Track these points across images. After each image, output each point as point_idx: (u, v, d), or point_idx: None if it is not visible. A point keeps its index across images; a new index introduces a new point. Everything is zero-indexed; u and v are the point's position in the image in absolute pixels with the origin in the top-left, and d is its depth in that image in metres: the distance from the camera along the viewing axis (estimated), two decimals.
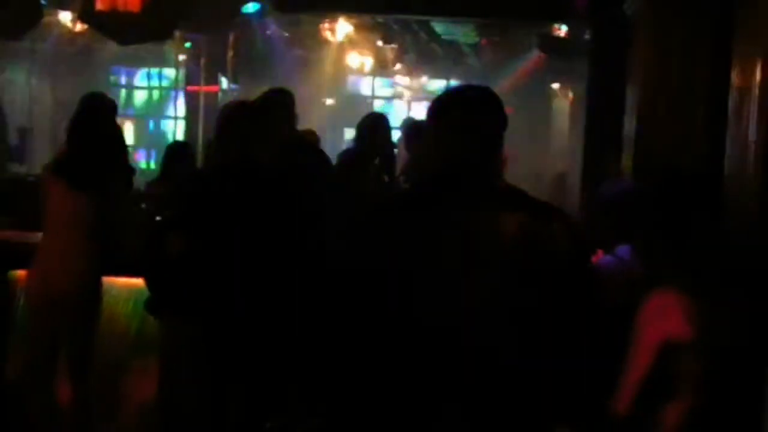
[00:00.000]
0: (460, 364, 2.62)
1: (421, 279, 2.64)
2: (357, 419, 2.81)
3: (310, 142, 6.31)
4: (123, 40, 9.51)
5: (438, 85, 14.70)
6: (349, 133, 11.18)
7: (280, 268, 4.46)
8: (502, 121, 2.78)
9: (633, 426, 3.15)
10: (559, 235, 2.63)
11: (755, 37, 3.40)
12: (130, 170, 5.38)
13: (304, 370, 4.57)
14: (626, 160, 5.10)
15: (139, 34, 9.02)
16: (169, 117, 15.01)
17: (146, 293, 4.80)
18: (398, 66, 13.91)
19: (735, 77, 3.65)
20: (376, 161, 6.25)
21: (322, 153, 6.13)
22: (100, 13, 8.61)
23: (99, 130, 5.00)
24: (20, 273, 5.59)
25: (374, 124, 6.35)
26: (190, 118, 13.73)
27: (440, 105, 2.83)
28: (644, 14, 4.93)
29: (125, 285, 5.28)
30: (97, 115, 5.10)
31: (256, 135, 4.55)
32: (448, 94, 2.93)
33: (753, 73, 3.34)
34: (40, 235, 5.14)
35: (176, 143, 8.47)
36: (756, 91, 3.31)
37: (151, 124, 15.20)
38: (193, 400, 4.69)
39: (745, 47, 3.55)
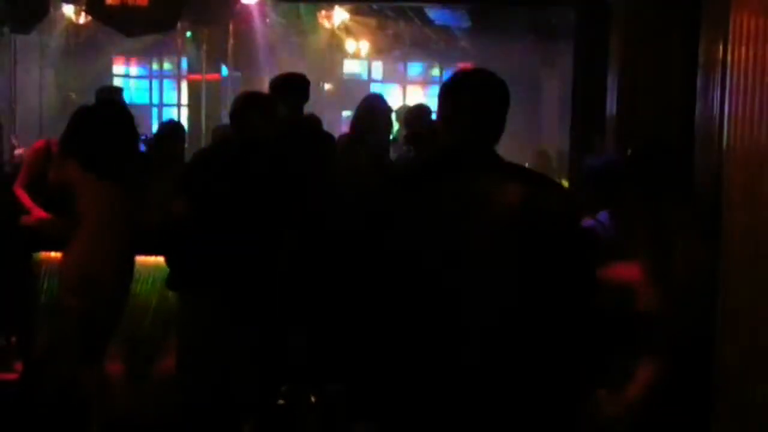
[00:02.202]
0: (467, 320, 2.86)
1: (431, 242, 2.88)
2: (369, 381, 3.07)
3: (314, 123, 6.57)
4: (129, 32, 9.77)
5: (432, 69, 14.94)
6: (347, 115, 11.41)
7: (273, 235, 4.81)
8: (505, 102, 3.05)
9: (611, 381, 3.47)
10: (556, 202, 2.90)
11: (718, 18, 3.68)
12: (145, 157, 5.62)
13: (317, 338, 4.87)
14: (609, 137, 5.43)
15: (145, 26, 9.31)
16: (172, 105, 15.25)
17: (165, 271, 5.12)
18: (394, 51, 14.20)
19: (701, 57, 3.94)
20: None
21: (324, 133, 6.43)
22: (110, 6, 8.91)
23: (121, 121, 5.23)
24: (44, 255, 5.91)
25: (371, 105, 6.57)
26: (193, 106, 13.99)
27: (451, 86, 3.07)
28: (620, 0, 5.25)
29: (144, 263, 5.52)
30: (117, 107, 5.38)
31: (256, 116, 4.99)
32: (459, 77, 3.17)
33: (717, 52, 3.62)
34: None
35: (168, 123, 8.32)
36: (719, 70, 3.59)
37: (155, 112, 15.42)
38: (209, 371, 4.99)
39: (710, 29, 3.83)
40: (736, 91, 2.32)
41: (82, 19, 11.59)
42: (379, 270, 2.99)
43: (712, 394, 2.70)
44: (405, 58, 14.98)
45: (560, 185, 3.05)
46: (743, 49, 2.25)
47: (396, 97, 15.20)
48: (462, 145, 3.00)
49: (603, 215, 4.21)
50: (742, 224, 2.90)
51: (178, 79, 14.83)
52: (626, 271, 3.42)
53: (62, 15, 11.72)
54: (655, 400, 3.34)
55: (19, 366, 6.00)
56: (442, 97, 3.09)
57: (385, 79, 15.95)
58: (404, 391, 2.96)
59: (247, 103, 5.16)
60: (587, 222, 4.18)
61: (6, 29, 8.84)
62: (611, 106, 5.41)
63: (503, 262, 2.89)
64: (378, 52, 14.24)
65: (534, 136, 13.37)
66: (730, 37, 2.32)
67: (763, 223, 2.10)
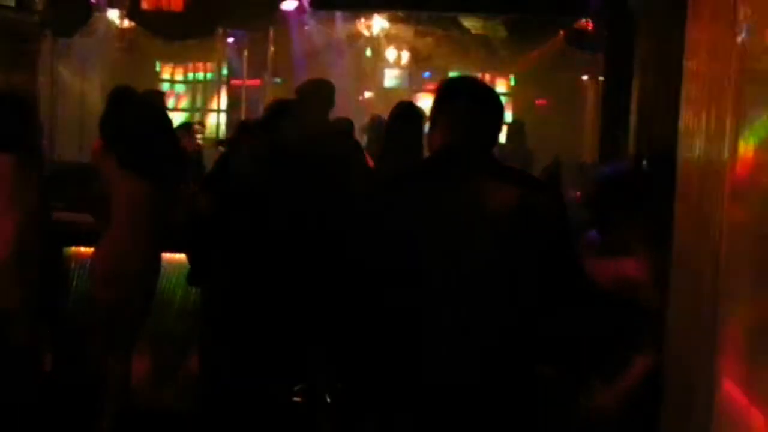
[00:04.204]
0: (462, 316, 2.96)
1: (429, 240, 2.99)
2: (366, 372, 3.18)
3: (343, 129, 6.68)
4: (167, 36, 10.03)
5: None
6: None
7: (295, 236, 4.92)
8: (497, 109, 3.18)
9: (604, 374, 3.54)
10: (548, 204, 3.01)
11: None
12: (182, 159, 5.76)
13: (326, 334, 4.97)
14: (631, 146, 5.50)
15: (183, 31, 9.56)
16: (213, 110, 15.52)
17: (188, 267, 5.24)
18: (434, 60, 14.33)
19: None
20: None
21: (352, 139, 6.53)
22: (146, 12, 9.17)
23: (161, 124, 5.37)
24: (74, 250, 6.07)
25: (402, 113, 6.66)
26: (233, 111, 14.22)
27: (447, 92, 3.22)
28: (643, 12, 5.31)
29: (170, 260, 5.63)
30: (157, 110, 5.53)
31: (285, 122, 5.12)
32: (453, 84, 3.34)
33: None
34: (88, 216, 5.55)
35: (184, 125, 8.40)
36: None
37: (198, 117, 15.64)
38: (229, 367, 5.11)
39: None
40: (692, 102, 2.39)
41: (126, 23, 11.83)
42: (376, 270, 3.08)
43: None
44: (445, 68, 15.07)
45: (552, 187, 3.13)
46: (695, 61, 2.31)
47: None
48: (455, 148, 3.09)
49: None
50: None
51: (218, 84, 15.06)
52: (625, 267, 3.48)
53: (106, 19, 11.94)
54: (648, 391, 3.39)
55: (48, 358, 6.15)
56: (436, 102, 3.19)
57: (426, 88, 16.06)
58: (402, 388, 3.04)
59: (278, 110, 5.33)
60: (593, 233, 4.24)
61: (48, 32, 9.06)
62: (634, 116, 5.48)
63: (496, 260, 2.98)
64: (418, 60, 14.36)
65: (575, 148, 13.38)
66: (686, 49, 2.38)
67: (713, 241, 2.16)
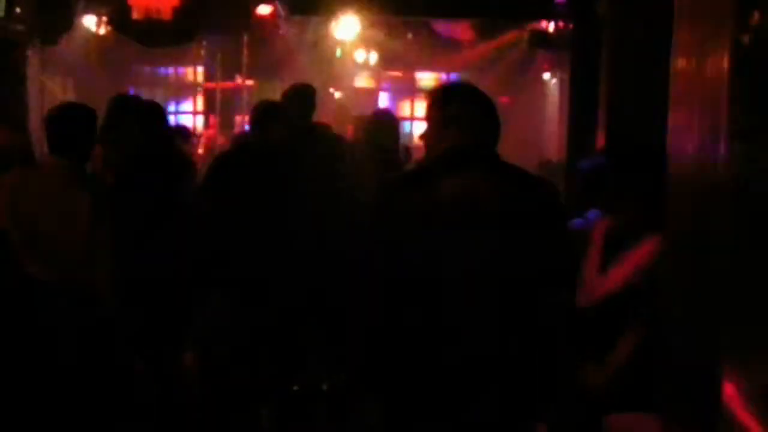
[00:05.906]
0: (466, 306, 3.14)
1: (444, 232, 3.16)
2: (376, 367, 3.32)
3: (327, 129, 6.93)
4: (153, 44, 10.23)
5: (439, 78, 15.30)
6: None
7: (293, 230, 5.17)
8: (493, 111, 3.37)
9: (595, 352, 3.75)
10: (544, 198, 3.23)
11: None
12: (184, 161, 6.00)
13: (331, 331, 5.16)
14: (600, 143, 5.79)
15: (167, 38, 9.77)
16: (188, 113, 15.70)
17: None
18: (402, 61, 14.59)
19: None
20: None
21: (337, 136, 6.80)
22: (137, 21, 9.37)
23: (156, 131, 5.60)
24: None
25: (380, 118, 6.92)
26: (208, 113, 14.41)
27: (441, 97, 3.38)
28: (610, 14, 5.59)
29: None
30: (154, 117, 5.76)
31: (274, 124, 5.38)
32: (447, 89, 3.53)
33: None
34: None
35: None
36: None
37: (171, 119, 15.79)
38: (229, 359, 5.34)
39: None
40: (682, 101, 2.51)
41: (102, 29, 11.94)
42: (390, 262, 3.23)
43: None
44: (413, 69, 15.33)
45: (547, 181, 3.38)
46: (683, 60, 2.45)
47: (406, 106, 15.65)
48: (466, 148, 3.28)
49: (592, 213, 4.56)
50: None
51: (194, 87, 15.23)
52: (653, 248, 3.64)
53: (83, 25, 12.04)
54: (638, 367, 3.58)
55: None
56: (431, 108, 3.38)
57: (395, 89, 16.33)
58: (408, 373, 3.22)
59: (267, 112, 5.56)
60: (577, 221, 4.54)
61: (37, 41, 9.21)
62: (602, 114, 5.76)
63: (504, 248, 3.17)
64: (387, 62, 14.61)
65: (539, 146, 13.68)
66: (672, 48, 2.52)
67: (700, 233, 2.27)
